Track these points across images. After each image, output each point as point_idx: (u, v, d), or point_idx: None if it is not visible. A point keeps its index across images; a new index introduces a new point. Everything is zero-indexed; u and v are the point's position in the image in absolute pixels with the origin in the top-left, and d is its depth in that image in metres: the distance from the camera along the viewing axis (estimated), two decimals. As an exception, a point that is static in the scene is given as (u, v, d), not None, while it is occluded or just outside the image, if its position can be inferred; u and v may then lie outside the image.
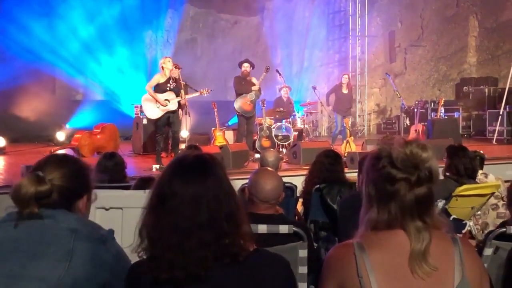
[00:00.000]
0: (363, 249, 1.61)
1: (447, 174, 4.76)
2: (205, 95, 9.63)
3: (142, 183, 3.53)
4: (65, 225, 1.88)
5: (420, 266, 1.57)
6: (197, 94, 9.66)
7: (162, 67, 8.95)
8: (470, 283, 1.60)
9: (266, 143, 10.58)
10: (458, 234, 2.26)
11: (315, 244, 3.78)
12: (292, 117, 12.05)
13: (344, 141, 10.77)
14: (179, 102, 8.98)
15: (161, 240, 1.62)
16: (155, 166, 8.41)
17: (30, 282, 1.77)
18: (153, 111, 8.91)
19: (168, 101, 8.84)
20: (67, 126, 13.10)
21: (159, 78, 8.94)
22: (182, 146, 9.62)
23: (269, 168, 3.54)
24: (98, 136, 10.89)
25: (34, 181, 1.90)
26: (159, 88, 8.89)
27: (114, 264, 1.90)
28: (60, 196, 1.95)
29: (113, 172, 4.66)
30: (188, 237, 1.61)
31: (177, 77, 9.11)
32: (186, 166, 1.72)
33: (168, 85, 8.90)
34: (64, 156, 2.21)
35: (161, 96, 8.82)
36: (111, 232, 1.97)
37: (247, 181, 3.06)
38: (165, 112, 8.83)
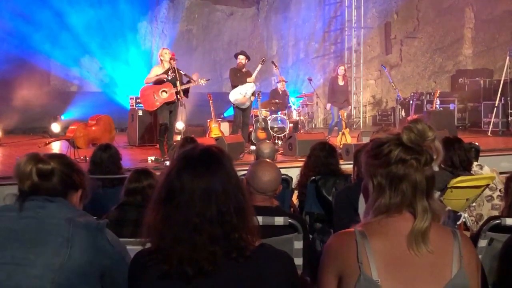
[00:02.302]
0: (364, 236, 1.62)
1: (442, 166, 4.76)
2: (203, 84, 9.55)
3: (137, 175, 3.51)
4: (61, 215, 1.92)
5: (418, 244, 1.60)
6: (194, 83, 9.57)
7: (161, 60, 8.98)
8: (467, 274, 1.62)
9: (261, 134, 10.59)
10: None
11: (311, 236, 3.78)
12: (287, 108, 12.04)
13: (340, 133, 10.77)
14: (177, 92, 8.93)
15: (171, 235, 1.61)
16: (151, 158, 8.40)
17: (33, 268, 1.82)
18: (151, 103, 8.87)
19: (166, 92, 8.79)
20: (62, 117, 13.06)
21: (157, 70, 8.94)
22: (178, 137, 9.60)
23: (268, 160, 3.54)
24: (93, 128, 10.87)
25: (35, 159, 1.98)
26: (158, 80, 8.88)
27: (112, 252, 1.95)
28: (59, 181, 2.00)
29: (108, 164, 4.66)
30: (199, 232, 1.60)
31: (176, 68, 9.08)
32: (195, 160, 1.70)
33: (167, 76, 8.88)
34: (62, 153, 2.29)
35: (159, 87, 8.80)
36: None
37: (242, 172, 3.06)
38: (162, 103, 8.79)
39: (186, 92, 9.08)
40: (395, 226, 1.64)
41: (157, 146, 10.18)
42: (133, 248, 1.91)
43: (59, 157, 2.08)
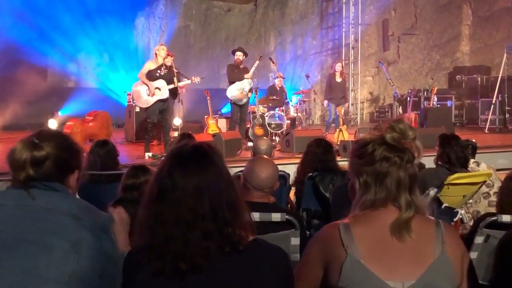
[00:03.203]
0: (347, 226, 1.71)
1: (439, 162, 4.77)
2: (197, 82, 9.55)
3: (135, 171, 3.52)
4: (65, 210, 1.84)
5: (401, 232, 1.67)
6: (189, 82, 9.56)
7: (156, 54, 8.91)
8: (450, 258, 1.67)
9: (259, 131, 10.58)
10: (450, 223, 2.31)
11: (308, 233, 3.79)
12: (285, 105, 12.04)
13: (337, 130, 10.77)
14: (171, 90, 8.88)
15: (164, 232, 1.61)
16: (148, 154, 8.38)
17: (47, 281, 1.74)
18: (143, 100, 8.82)
19: (159, 89, 8.73)
20: (59, 113, 13.01)
21: (150, 65, 8.87)
22: (175, 134, 9.59)
23: (265, 157, 3.53)
24: (91, 124, 10.84)
25: (30, 146, 1.89)
26: (150, 75, 8.78)
27: (112, 251, 1.90)
28: (54, 165, 1.91)
29: (105, 160, 4.64)
30: (192, 229, 1.60)
31: (170, 65, 9.03)
32: (185, 157, 1.70)
33: (159, 71, 8.78)
34: (57, 130, 2.19)
35: (152, 84, 8.73)
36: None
37: (239, 169, 3.06)
38: (156, 100, 8.73)
39: (174, 91, 8.98)
40: (380, 217, 1.71)
41: (154, 142, 10.18)
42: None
43: (54, 138, 1.97)
